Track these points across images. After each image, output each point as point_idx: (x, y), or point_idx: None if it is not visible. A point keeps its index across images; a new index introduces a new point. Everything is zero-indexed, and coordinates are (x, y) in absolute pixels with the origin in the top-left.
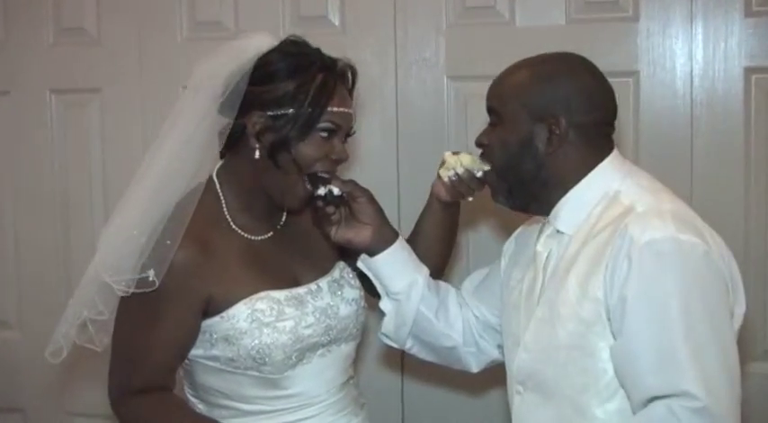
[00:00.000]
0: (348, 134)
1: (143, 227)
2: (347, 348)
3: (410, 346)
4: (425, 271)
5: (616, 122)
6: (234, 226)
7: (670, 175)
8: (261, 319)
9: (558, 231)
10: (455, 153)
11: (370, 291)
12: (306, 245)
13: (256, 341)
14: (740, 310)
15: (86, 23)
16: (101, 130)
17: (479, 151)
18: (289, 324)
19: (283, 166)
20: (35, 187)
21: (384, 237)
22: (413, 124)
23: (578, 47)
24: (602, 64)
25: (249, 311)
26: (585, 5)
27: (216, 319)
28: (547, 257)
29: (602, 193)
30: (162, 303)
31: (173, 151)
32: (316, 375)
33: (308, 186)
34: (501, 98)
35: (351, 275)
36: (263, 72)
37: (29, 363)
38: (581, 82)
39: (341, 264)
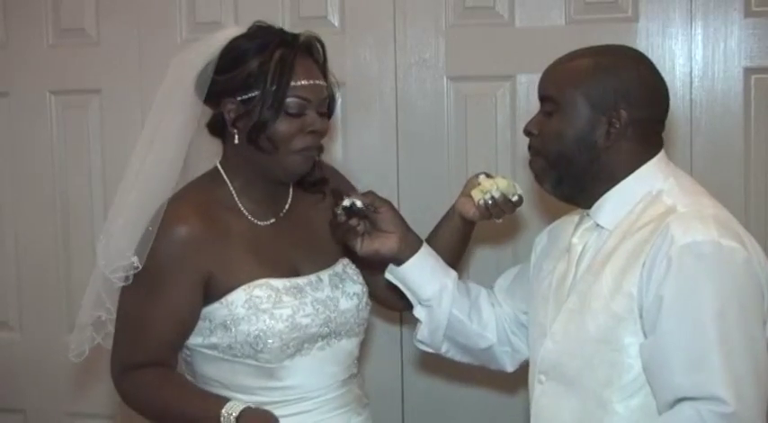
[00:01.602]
0: (329, 108)
1: (135, 217)
2: (349, 344)
3: (446, 349)
4: (454, 274)
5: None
6: (242, 209)
7: None
8: (258, 306)
9: (597, 225)
10: (489, 176)
11: (401, 301)
12: (308, 235)
13: (253, 327)
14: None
15: (86, 24)
16: (100, 131)
17: (508, 174)
18: (286, 312)
19: (264, 147)
20: (35, 189)
21: (410, 244)
22: (413, 125)
23: (578, 47)
24: None
25: (247, 297)
26: (585, 6)
27: (215, 305)
28: (582, 250)
29: (646, 190)
30: (163, 277)
31: (157, 144)
32: (314, 369)
33: (337, 211)
34: (561, 87)
35: (353, 271)
36: (229, 58)
37: (29, 364)
38: (643, 76)
39: (344, 259)
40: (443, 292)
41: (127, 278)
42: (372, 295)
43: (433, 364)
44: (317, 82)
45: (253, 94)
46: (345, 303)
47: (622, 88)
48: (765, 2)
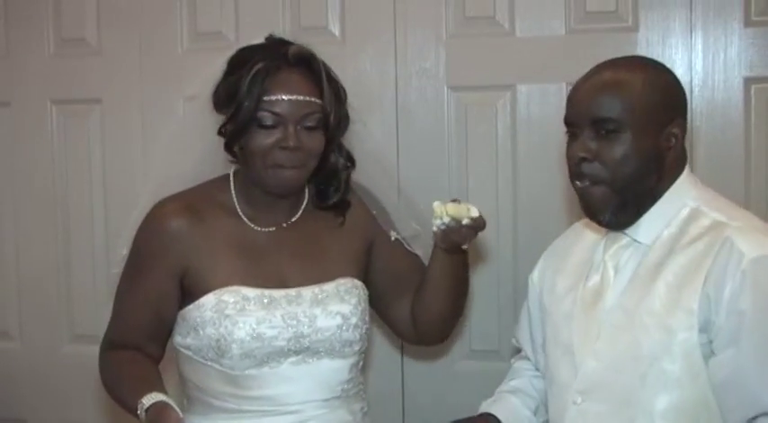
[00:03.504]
0: (326, 123)
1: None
2: (332, 364)
3: None
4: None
5: None
6: (240, 213)
7: None
8: (223, 311)
9: (634, 241)
10: (448, 202)
11: (416, 334)
12: (310, 249)
13: (215, 331)
14: None
15: (87, 34)
16: (101, 140)
17: (464, 198)
18: (249, 320)
19: (242, 159)
20: (36, 198)
21: None
22: (413, 134)
23: (578, 57)
24: None
25: (216, 302)
26: (585, 15)
27: (190, 306)
28: (617, 266)
29: (681, 204)
30: (142, 263)
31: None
32: (287, 383)
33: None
34: (621, 105)
35: (347, 292)
36: (225, 70)
37: (30, 373)
38: (680, 85)
39: (344, 279)
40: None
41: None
42: (389, 322)
43: (434, 366)
44: (299, 97)
45: (230, 109)
46: (324, 322)
47: (673, 99)
48: (765, 11)
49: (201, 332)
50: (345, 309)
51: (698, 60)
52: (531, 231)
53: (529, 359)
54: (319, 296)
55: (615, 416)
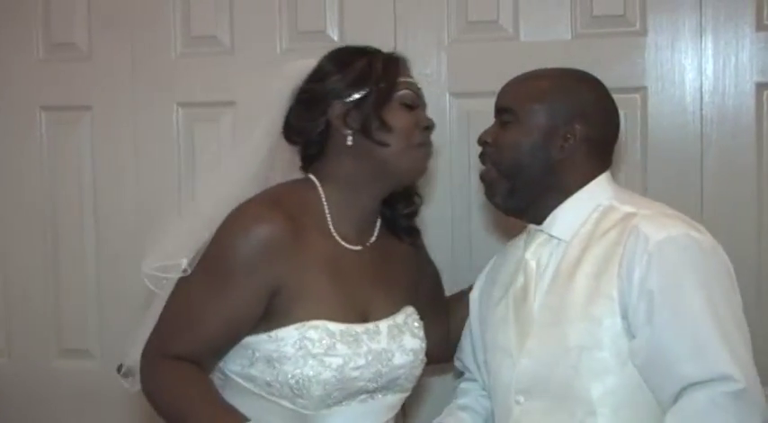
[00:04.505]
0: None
1: (197, 221)
2: (393, 399)
3: None
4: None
5: (623, 140)
6: (331, 227)
7: (679, 194)
8: (309, 349)
9: (552, 238)
10: None
11: (446, 355)
12: (383, 274)
13: (298, 370)
14: (740, 301)
15: (77, 38)
16: (92, 148)
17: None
18: (336, 361)
19: (382, 140)
20: (24, 209)
21: None
22: None
23: (585, 62)
24: (609, 79)
25: (299, 337)
26: (592, 20)
27: (262, 336)
28: (539, 265)
29: (596, 203)
30: (230, 276)
31: (241, 152)
32: (350, 421)
33: None
34: (522, 99)
35: (415, 324)
36: (331, 65)
37: (18, 388)
38: (600, 99)
39: (409, 309)
40: None
41: (185, 270)
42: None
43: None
44: (417, 83)
45: (364, 92)
46: (400, 359)
47: (581, 107)
48: None
49: (277, 367)
50: (417, 344)
51: (708, 65)
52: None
53: (476, 380)
54: (394, 331)
55: (557, 410)
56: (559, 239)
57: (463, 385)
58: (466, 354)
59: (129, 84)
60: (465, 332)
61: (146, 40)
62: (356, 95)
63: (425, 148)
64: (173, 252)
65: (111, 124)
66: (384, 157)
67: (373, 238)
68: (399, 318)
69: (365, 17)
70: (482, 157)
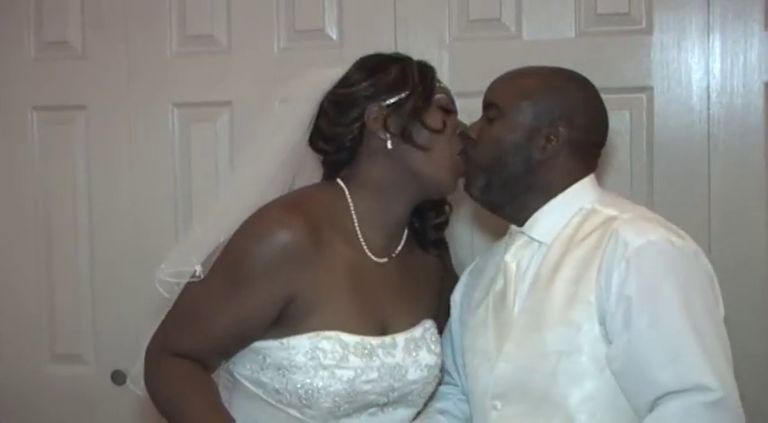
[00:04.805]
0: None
1: (214, 224)
2: (404, 413)
3: None
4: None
5: (629, 141)
6: (360, 236)
7: (686, 195)
8: (320, 359)
9: (532, 241)
10: None
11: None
12: (407, 286)
13: (308, 380)
14: (722, 310)
15: (70, 37)
16: (86, 149)
17: None
18: (348, 373)
19: (423, 142)
20: (16, 211)
21: None
22: None
23: (589, 61)
24: (614, 79)
25: (311, 347)
26: (596, 18)
27: (275, 343)
28: (519, 268)
29: (579, 206)
30: (245, 280)
31: (265, 157)
32: None
33: None
34: (507, 95)
35: (433, 339)
36: (366, 68)
37: (10, 393)
38: (588, 101)
39: (427, 322)
40: None
41: (198, 276)
42: None
43: None
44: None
45: (402, 95)
46: (414, 374)
47: (567, 109)
48: None
49: (287, 375)
50: (432, 360)
51: (716, 64)
52: None
53: (455, 384)
54: (411, 345)
55: (534, 415)
56: (540, 242)
57: (442, 388)
58: (445, 356)
59: (124, 83)
60: (445, 334)
61: (141, 38)
62: (394, 99)
63: (462, 155)
64: (188, 258)
65: (105, 125)
66: (422, 161)
67: (399, 249)
68: (417, 331)
69: (365, 15)
70: (462, 154)
